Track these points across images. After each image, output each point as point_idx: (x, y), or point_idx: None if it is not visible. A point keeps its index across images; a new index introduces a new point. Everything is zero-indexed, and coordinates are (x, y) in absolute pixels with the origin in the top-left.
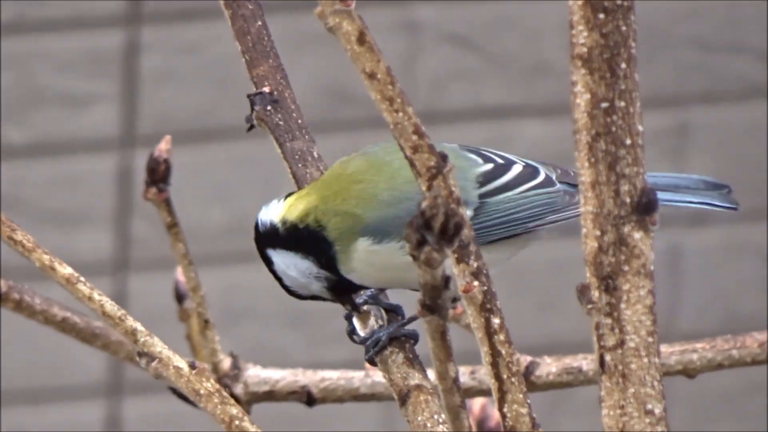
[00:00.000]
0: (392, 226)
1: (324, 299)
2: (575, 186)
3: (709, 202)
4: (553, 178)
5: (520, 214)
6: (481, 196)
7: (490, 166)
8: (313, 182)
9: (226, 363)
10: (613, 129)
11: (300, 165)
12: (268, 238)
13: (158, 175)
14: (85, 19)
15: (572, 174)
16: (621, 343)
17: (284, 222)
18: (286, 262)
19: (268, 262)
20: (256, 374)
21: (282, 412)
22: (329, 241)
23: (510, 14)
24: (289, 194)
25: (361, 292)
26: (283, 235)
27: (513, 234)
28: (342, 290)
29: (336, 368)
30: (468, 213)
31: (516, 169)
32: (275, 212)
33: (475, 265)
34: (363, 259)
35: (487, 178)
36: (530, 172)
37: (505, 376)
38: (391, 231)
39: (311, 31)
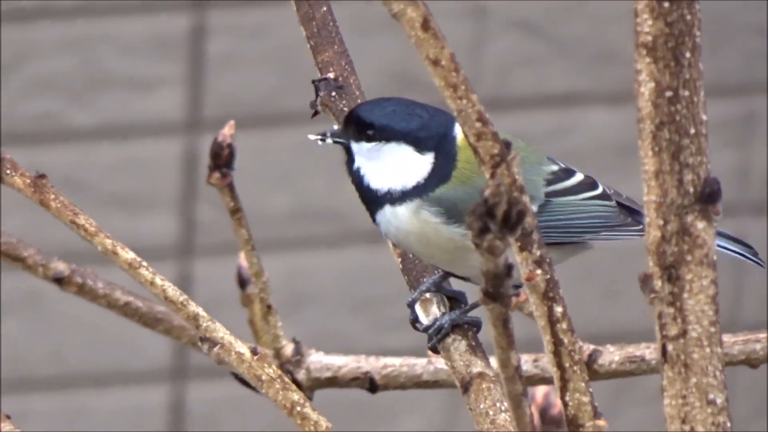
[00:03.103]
0: (462, 206)
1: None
2: (625, 207)
3: (744, 254)
4: (608, 193)
5: (579, 222)
6: (548, 195)
7: (557, 167)
8: None
9: (288, 349)
10: (677, 118)
11: None
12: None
13: (222, 159)
14: (152, 2)
15: (623, 196)
16: (683, 333)
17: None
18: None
19: None
20: (319, 360)
21: (344, 399)
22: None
23: (576, 1)
24: None
25: (423, 280)
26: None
27: (568, 241)
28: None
29: (399, 355)
30: (533, 208)
31: (578, 177)
32: None
33: (538, 253)
34: (426, 229)
35: (555, 178)
36: (590, 183)
37: (567, 365)
38: (458, 212)
39: (376, 16)
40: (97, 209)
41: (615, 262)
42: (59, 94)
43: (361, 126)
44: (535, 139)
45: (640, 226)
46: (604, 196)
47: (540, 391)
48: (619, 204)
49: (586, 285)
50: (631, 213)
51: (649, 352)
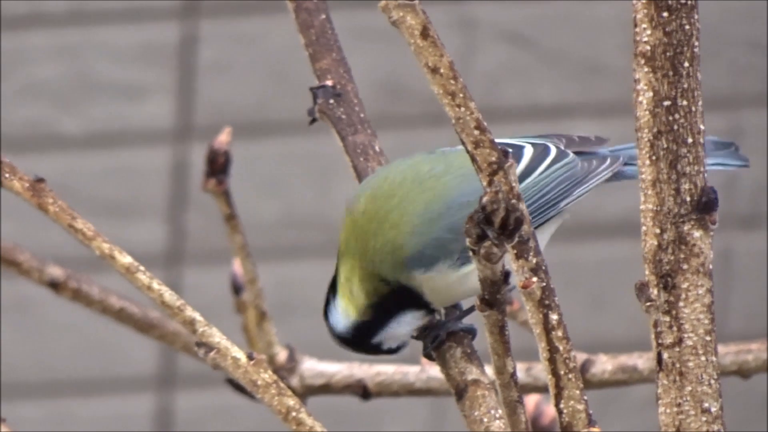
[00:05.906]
0: (433, 248)
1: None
2: (585, 153)
3: (721, 162)
4: (563, 148)
5: (548, 196)
6: None
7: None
8: (338, 253)
9: (282, 355)
10: (675, 127)
11: (362, 159)
12: (362, 337)
13: (218, 166)
14: (143, 11)
15: (576, 139)
16: (679, 341)
17: (359, 312)
18: (394, 331)
19: (375, 349)
20: (312, 367)
21: (337, 406)
22: (401, 285)
23: (566, 12)
24: (332, 284)
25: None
26: (371, 323)
27: (548, 218)
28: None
29: (391, 363)
30: None
31: (528, 152)
32: (343, 314)
33: (534, 260)
34: (427, 287)
35: None
36: (542, 151)
37: (562, 372)
38: (436, 254)
39: (371, 25)
40: (86, 217)
41: (605, 272)
42: (49, 101)
43: None
44: None
45: (607, 162)
46: (559, 157)
47: (531, 400)
48: (578, 153)
49: (577, 294)
50: (591, 156)
51: (641, 361)
